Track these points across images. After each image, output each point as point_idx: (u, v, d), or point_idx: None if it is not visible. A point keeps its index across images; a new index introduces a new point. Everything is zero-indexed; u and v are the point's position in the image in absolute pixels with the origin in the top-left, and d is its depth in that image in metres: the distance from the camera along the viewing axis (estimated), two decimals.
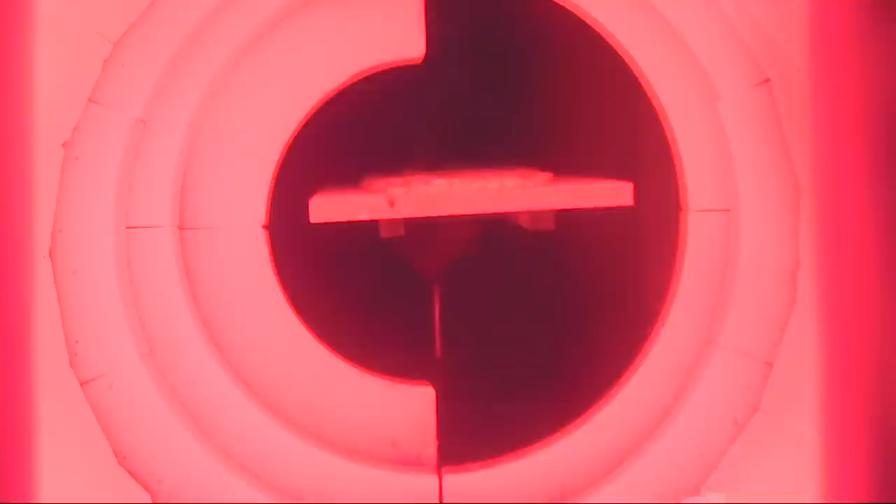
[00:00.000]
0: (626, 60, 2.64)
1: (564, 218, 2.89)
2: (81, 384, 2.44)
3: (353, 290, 3.64)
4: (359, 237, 2.96)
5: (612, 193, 2.62)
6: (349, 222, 2.62)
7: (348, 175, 3.09)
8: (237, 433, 2.56)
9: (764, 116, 2.50)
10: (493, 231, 3.49)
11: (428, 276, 3.63)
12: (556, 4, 2.62)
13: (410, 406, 2.64)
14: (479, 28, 3.79)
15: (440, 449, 2.64)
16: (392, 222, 2.77)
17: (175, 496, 2.48)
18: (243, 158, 2.61)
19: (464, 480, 2.59)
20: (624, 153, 3.48)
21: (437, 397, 2.65)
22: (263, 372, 2.62)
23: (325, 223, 2.58)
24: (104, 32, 2.43)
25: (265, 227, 2.62)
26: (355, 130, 3.54)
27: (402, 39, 2.64)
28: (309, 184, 2.83)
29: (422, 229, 3.15)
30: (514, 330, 3.81)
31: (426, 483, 2.57)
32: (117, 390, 2.47)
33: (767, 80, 2.49)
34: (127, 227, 2.51)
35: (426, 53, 2.66)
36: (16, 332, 1.23)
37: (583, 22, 2.65)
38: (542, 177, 2.78)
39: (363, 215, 2.59)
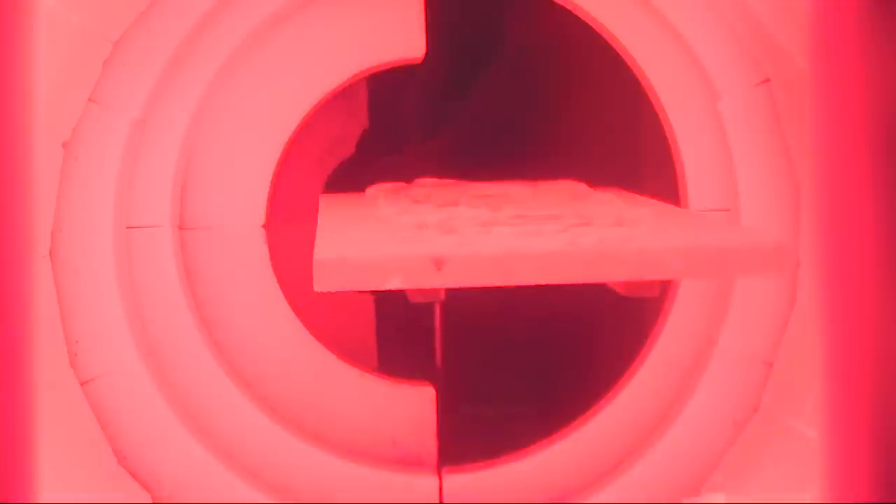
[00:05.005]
0: (627, 60, 2.64)
1: None
2: (81, 384, 2.44)
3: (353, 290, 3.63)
4: None
5: (767, 258, 1.82)
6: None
7: (350, 172, 3.08)
8: (237, 433, 2.56)
9: (764, 116, 2.50)
10: None
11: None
12: (557, 5, 2.62)
13: (411, 406, 2.64)
14: (478, 27, 3.79)
15: (440, 449, 2.64)
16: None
17: (175, 496, 2.48)
18: (243, 158, 2.61)
19: (464, 480, 2.59)
20: (624, 153, 3.48)
21: (437, 397, 2.65)
22: (263, 372, 2.62)
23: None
24: (104, 32, 2.43)
25: (265, 227, 2.62)
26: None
27: (402, 39, 2.64)
28: (309, 184, 2.83)
29: None
30: (514, 329, 3.81)
31: (426, 483, 2.57)
32: (117, 390, 2.47)
33: (767, 80, 2.49)
34: (127, 227, 2.51)
35: (426, 53, 2.66)
36: (16, 332, 1.23)
37: (583, 22, 2.65)
38: (646, 217, 2.01)
39: (395, 282, 1.75)
